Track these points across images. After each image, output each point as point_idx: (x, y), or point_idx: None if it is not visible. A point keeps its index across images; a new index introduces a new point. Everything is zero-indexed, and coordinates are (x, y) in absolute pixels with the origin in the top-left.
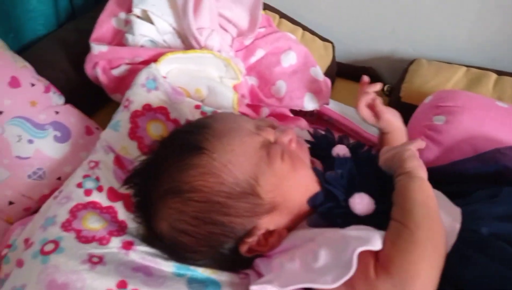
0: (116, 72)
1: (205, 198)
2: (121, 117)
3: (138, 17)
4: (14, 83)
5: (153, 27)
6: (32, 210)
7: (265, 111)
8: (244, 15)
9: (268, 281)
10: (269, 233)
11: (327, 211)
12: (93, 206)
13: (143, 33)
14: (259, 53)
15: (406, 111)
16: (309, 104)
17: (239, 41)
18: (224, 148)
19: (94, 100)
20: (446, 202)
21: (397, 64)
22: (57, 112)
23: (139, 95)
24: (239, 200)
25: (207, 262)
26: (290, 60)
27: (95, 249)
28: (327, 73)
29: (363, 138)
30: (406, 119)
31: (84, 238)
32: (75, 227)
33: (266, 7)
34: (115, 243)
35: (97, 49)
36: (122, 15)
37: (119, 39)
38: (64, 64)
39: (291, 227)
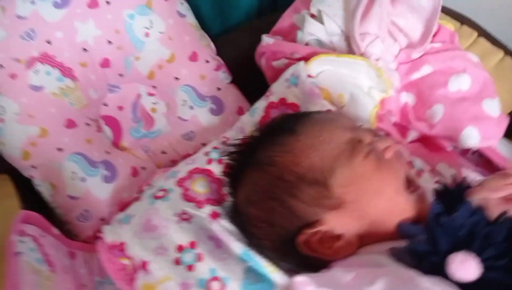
0: (275, 64)
1: (278, 174)
2: (259, 105)
3: (312, 16)
4: (193, 57)
5: (322, 27)
6: (176, 163)
7: (412, 134)
8: (418, 26)
9: (310, 275)
10: (336, 237)
11: (420, 253)
12: (208, 173)
13: (311, 32)
14: (425, 70)
15: None
16: (468, 140)
17: (406, 53)
18: (313, 134)
19: (259, 87)
20: None
21: None
22: (219, 89)
23: (280, 88)
24: (308, 185)
25: (269, 245)
26: (460, 84)
27: (190, 209)
28: None
29: None
30: None
31: (187, 197)
32: (185, 185)
33: (465, 21)
34: (207, 209)
35: (265, 41)
36: (304, 12)
37: (294, 34)
38: (246, 49)
39: (364, 240)
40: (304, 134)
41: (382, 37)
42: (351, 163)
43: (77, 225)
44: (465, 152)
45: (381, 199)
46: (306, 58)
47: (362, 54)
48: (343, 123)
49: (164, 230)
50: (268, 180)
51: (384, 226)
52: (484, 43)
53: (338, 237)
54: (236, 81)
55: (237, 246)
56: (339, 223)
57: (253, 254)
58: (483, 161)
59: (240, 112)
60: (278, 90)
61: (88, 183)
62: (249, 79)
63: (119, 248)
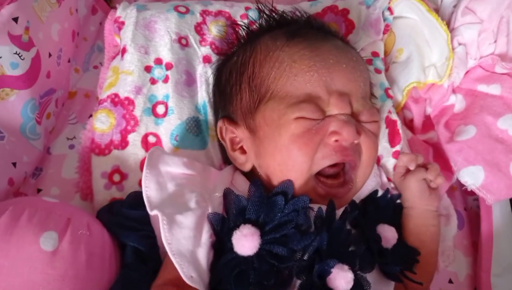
0: None
1: (250, 59)
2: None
3: None
4: None
5: None
6: None
7: (432, 135)
8: None
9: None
10: (241, 149)
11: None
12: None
13: None
14: (493, 89)
15: None
16: (467, 176)
17: (493, 60)
18: (299, 54)
19: None
20: None
21: None
22: None
23: None
24: (251, 89)
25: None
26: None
27: (193, 38)
28: None
29: None
30: None
31: (199, 28)
32: (205, 18)
33: None
34: (205, 50)
35: None
36: None
37: None
38: None
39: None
40: (292, 46)
41: (485, 28)
42: (283, 111)
43: None
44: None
45: (275, 160)
46: None
47: (451, 30)
48: (337, 75)
49: (158, 38)
50: (244, 59)
51: (277, 177)
52: None
53: (243, 150)
54: None
55: (201, 96)
56: (247, 143)
57: (208, 111)
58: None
59: None
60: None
61: None
62: None
63: (119, 26)
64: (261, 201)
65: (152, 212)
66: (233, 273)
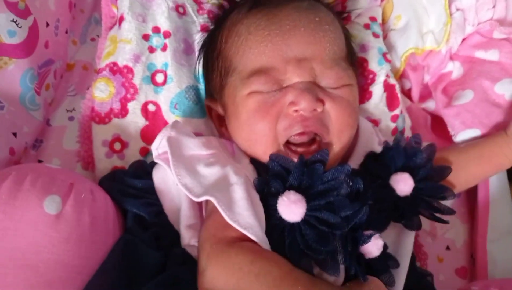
0: None
1: (218, 36)
2: None
3: None
4: None
5: None
6: None
7: (429, 103)
8: None
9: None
10: (225, 125)
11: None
12: None
13: None
14: (491, 55)
15: None
16: (464, 138)
17: (491, 26)
18: (256, 25)
19: None
20: None
21: None
22: None
23: None
24: (217, 68)
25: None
26: (508, 91)
27: (190, 6)
28: None
29: None
30: None
31: None
32: None
33: None
34: (202, 19)
35: None
36: None
37: None
38: None
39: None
40: (250, 17)
41: None
42: (238, 87)
43: None
44: None
45: (241, 137)
46: None
47: None
48: (294, 41)
49: (155, 6)
50: (214, 36)
51: (250, 152)
52: None
53: (225, 127)
54: None
55: (200, 65)
56: (226, 119)
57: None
58: None
59: None
60: None
61: None
62: None
63: None
64: (301, 168)
65: (200, 198)
66: (286, 243)
